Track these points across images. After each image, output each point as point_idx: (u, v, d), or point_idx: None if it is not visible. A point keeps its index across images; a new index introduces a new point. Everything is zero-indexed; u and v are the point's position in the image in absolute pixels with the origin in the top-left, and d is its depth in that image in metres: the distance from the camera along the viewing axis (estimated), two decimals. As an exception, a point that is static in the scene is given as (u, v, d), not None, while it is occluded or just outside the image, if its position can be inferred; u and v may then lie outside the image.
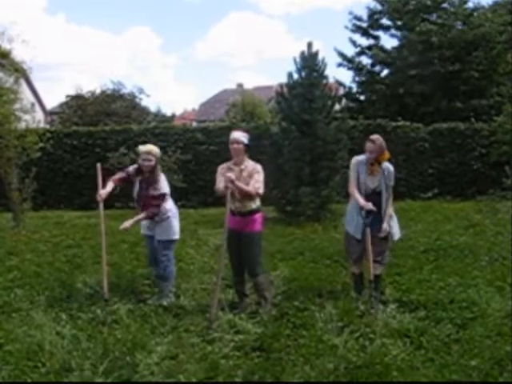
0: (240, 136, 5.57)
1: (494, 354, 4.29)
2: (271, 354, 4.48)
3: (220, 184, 5.50)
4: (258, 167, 5.56)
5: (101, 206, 5.94)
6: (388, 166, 5.73)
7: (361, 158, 5.77)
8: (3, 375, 4.08)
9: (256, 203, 5.60)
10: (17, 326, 5.07)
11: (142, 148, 6.04)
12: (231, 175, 5.30)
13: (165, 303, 5.78)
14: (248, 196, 5.47)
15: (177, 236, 6.20)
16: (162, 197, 5.96)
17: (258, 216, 5.65)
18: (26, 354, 4.42)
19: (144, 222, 6.15)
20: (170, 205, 6.15)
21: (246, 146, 5.55)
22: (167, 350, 4.60)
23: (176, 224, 6.18)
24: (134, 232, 10.25)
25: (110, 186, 5.97)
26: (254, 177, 5.47)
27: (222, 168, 5.69)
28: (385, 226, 5.68)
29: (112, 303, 5.60)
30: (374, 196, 5.66)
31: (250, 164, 5.59)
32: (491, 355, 4.28)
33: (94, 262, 8.00)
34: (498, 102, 19.55)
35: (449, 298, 5.72)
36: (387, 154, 5.72)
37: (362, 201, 5.59)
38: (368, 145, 5.63)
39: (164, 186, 6.04)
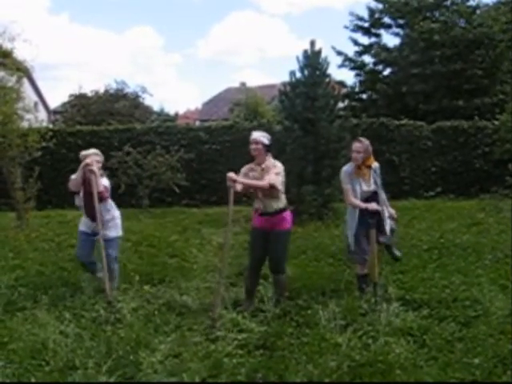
0: (259, 136, 5.59)
1: (497, 353, 4.29)
2: (274, 353, 4.49)
3: (238, 186, 5.50)
4: (277, 163, 5.57)
5: (96, 203, 5.98)
6: (375, 164, 5.80)
7: (347, 167, 5.80)
8: (7, 373, 4.10)
9: (282, 202, 5.60)
10: (21, 325, 5.09)
11: (90, 150, 6.37)
12: (232, 174, 5.30)
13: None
14: (269, 194, 5.47)
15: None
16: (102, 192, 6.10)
17: (287, 214, 5.65)
18: (30, 352, 4.44)
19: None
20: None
21: (265, 146, 5.55)
22: (170, 348, 4.61)
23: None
24: (137, 230, 10.33)
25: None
26: (270, 170, 5.47)
27: (244, 169, 5.73)
28: (391, 211, 5.86)
29: (115, 302, 5.62)
30: (373, 198, 5.69)
31: (270, 162, 5.59)
32: (494, 353, 4.27)
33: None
34: (501, 100, 19.50)
35: (452, 296, 5.70)
36: (372, 159, 5.76)
37: (363, 204, 5.60)
38: (355, 144, 5.67)
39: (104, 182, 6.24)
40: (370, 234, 5.60)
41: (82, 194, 6.22)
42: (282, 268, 5.68)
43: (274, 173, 5.43)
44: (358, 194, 5.66)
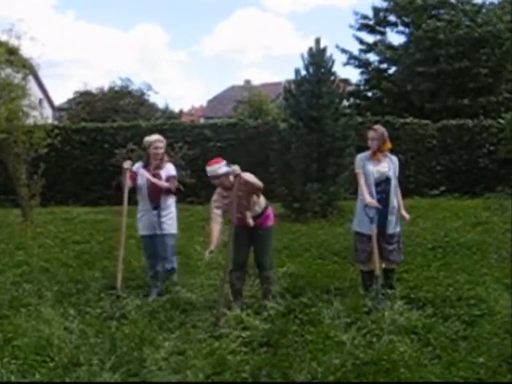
0: (213, 171, 5.37)
1: (501, 352, 4.27)
2: (278, 350, 4.48)
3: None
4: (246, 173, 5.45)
5: (125, 201, 6.03)
6: (393, 157, 5.97)
7: (362, 154, 6.00)
8: (12, 369, 4.10)
9: (263, 203, 5.65)
10: (25, 321, 5.09)
11: (152, 137, 6.21)
12: (236, 168, 5.31)
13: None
14: (247, 205, 5.47)
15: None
16: (174, 178, 6.20)
17: (269, 211, 5.73)
18: (34, 348, 4.45)
19: (146, 221, 6.20)
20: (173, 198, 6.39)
21: (222, 175, 5.35)
22: (175, 345, 4.62)
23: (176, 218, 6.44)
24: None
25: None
26: (246, 175, 5.39)
27: (214, 201, 5.53)
28: (403, 213, 5.93)
29: (120, 299, 5.63)
30: (385, 183, 5.80)
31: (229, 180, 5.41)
32: (499, 353, 4.26)
33: (102, 257, 8.02)
34: (506, 98, 19.44)
35: (457, 295, 5.69)
36: (389, 144, 5.92)
37: (368, 198, 5.66)
38: (370, 133, 5.88)
39: (172, 169, 6.29)
40: (371, 229, 5.65)
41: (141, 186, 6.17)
42: (270, 263, 5.78)
43: (251, 176, 5.41)
44: (371, 175, 5.77)
